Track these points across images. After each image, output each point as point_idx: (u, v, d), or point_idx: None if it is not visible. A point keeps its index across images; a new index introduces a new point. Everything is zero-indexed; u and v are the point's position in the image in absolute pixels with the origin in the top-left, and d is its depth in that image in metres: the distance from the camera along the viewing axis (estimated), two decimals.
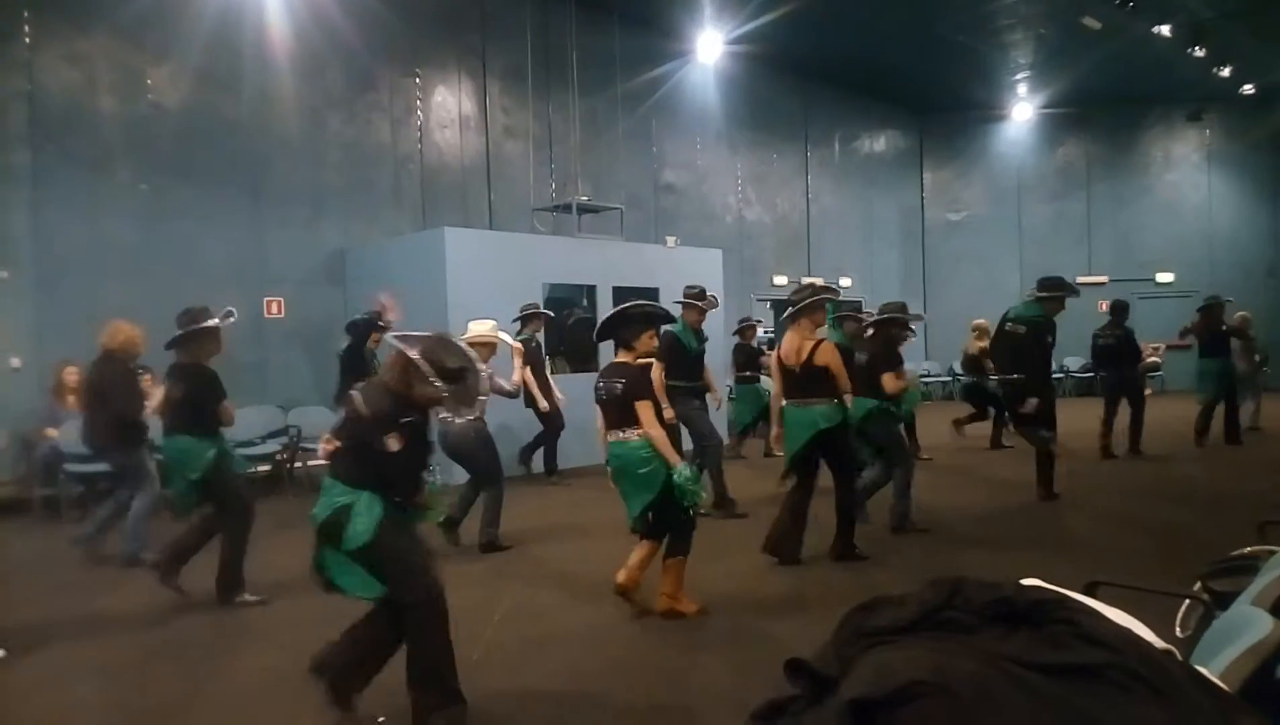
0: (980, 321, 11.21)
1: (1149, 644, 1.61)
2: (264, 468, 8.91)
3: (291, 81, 10.47)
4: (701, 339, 7.77)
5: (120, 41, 9.25)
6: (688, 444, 7.71)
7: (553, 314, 9.51)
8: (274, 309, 10.12)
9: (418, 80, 11.78)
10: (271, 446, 9.10)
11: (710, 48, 14.82)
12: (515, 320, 8.68)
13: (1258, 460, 9.69)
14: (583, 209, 11.77)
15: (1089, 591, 2.00)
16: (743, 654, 4.22)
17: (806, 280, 16.22)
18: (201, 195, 9.67)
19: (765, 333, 13.30)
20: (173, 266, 9.14)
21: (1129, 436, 9.95)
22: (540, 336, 8.99)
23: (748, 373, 10.44)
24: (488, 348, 6.06)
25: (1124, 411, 10.16)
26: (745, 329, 10.72)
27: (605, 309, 10.86)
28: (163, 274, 8.99)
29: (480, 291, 8.81)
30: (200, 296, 5.26)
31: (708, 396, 7.94)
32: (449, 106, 12.14)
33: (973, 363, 10.91)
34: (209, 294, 6.74)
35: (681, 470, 4.57)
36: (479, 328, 6.21)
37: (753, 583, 5.46)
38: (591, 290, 10.92)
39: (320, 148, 10.82)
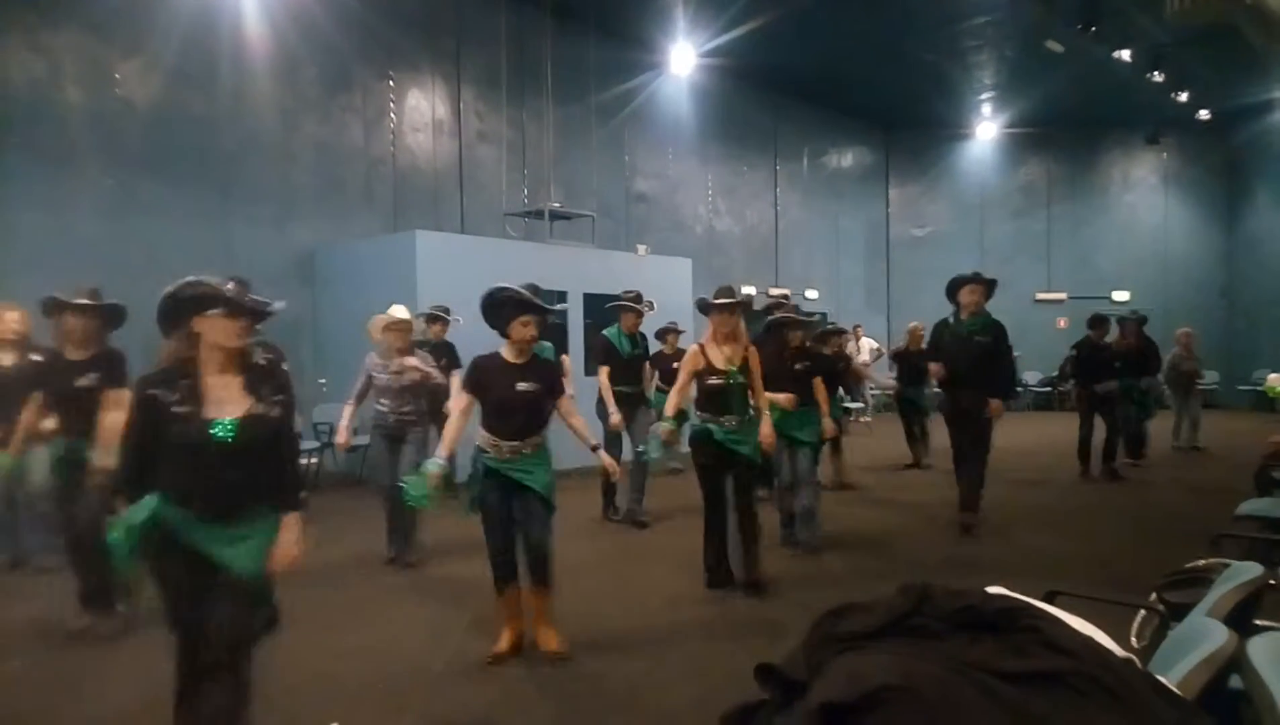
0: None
1: (1110, 652, 1.65)
2: None
3: (264, 80, 10.36)
4: (638, 344, 7.77)
5: (88, 35, 9.09)
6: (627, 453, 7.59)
7: (459, 319, 8.75)
8: None
9: (391, 83, 11.72)
10: None
11: (683, 60, 14.89)
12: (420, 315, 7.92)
13: (1209, 475, 9.91)
14: (555, 215, 11.77)
15: (1048, 601, 2.05)
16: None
17: (775, 291, 16.40)
18: (169, 192, 9.53)
19: None
20: (138, 263, 8.97)
21: (1101, 453, 9.76)
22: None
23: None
24: (403, 331, 6.21)
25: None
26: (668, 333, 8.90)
27: (576, 315, 10.89)
28: (127, 271, 8.81)
29: (451, 294, 8.74)
30: None
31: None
32: (422, 110, 12.09)
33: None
34: None
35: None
36: (395, 311, 6.31)
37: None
38: (562, 296, 10.90)
39: (292, 147, 10.72)
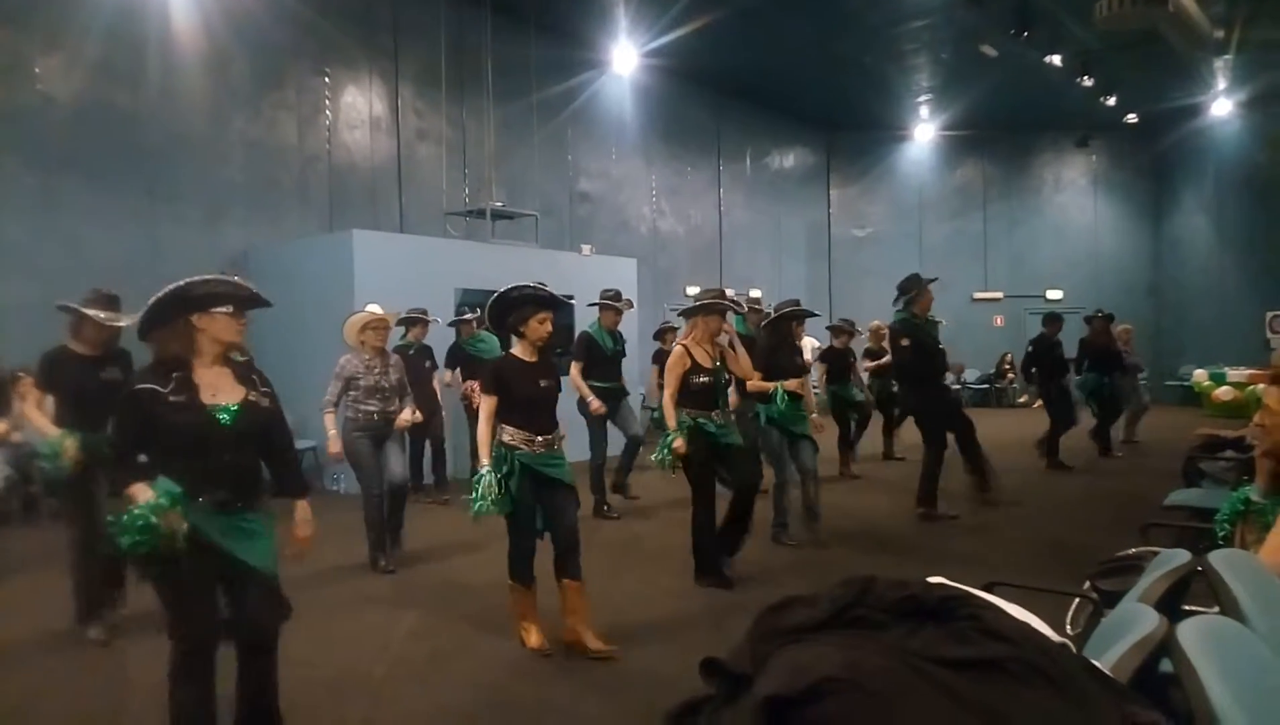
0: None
1: (1046, 638, 1.68)
2: None
3: (193, 75, 10.07)
4: (618, 341, 7.93)
5: (6, 27, 8.72)
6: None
7: (439, 320, 8.99)
8: None
9: (327, 79, 11.49)
10: None
11: (626, 60, 14.91)
12: (399, 323, 8.08)
13: (1137, 468, 10.17)
14: (497, 215, 11.65)
15: (987, 590, 2.07)
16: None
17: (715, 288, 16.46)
18: (93, 191, 9.21)
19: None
20: (60, 264, 8.68)
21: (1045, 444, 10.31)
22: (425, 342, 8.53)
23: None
24: (382, 329, 6.19)
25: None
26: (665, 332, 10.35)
27: None
28: (49, 272, 8.53)
29: (390, 295, 8.59)
30: None
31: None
32: (359, 107, 11.88)
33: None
34: None
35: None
36: (372, 308, 6.37)
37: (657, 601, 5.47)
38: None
39: (223, 145, 10.43)
